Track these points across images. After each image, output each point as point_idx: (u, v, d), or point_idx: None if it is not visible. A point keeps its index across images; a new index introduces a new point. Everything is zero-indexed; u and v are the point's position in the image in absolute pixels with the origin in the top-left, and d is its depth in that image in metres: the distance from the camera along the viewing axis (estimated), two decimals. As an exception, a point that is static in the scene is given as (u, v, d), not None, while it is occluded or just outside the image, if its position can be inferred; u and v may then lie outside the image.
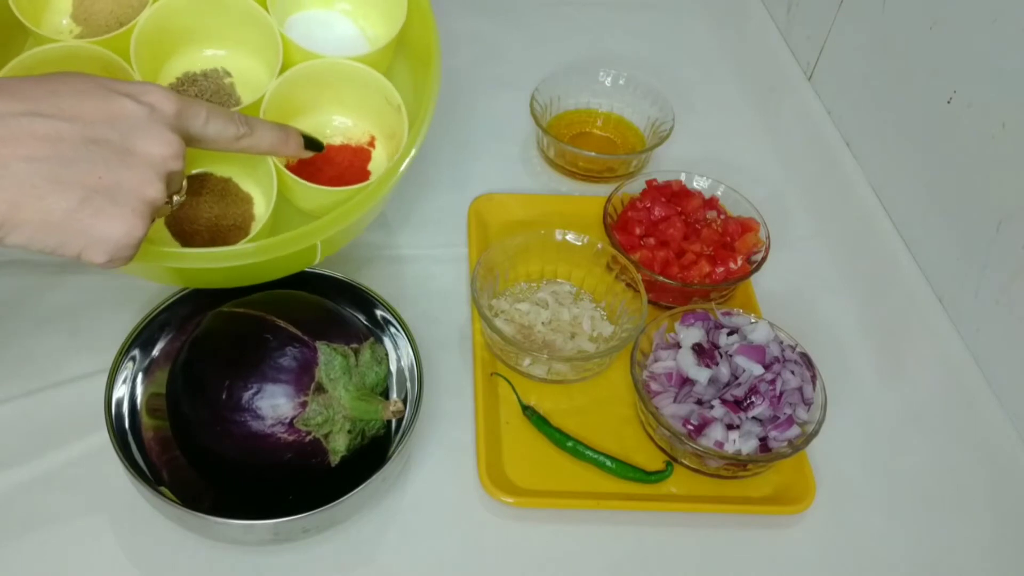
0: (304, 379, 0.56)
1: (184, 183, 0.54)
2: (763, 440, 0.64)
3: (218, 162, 0.70)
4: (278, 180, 0.65)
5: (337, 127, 0.73)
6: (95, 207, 0.46)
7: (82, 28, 0.70)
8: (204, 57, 0.73)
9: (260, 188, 0.70)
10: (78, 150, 0.46)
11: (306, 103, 0.71)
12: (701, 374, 0.67)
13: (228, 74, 0.72)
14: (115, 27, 0.68)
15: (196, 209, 0.68)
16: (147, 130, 0.48)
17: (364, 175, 0.71)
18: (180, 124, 0.51)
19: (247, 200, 0.70)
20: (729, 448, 0.63)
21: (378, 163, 0.72)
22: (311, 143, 0.62)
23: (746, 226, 0.79)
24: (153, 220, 0.50)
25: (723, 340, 0.69)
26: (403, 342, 0.67)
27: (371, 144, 0.73)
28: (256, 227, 0.66)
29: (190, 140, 0.53)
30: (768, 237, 0.78)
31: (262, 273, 0.65)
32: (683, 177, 0.83)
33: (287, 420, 0.55)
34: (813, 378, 0.67)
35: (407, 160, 0.64)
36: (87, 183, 0.46)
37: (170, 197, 0.52)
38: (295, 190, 0.67)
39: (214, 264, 0.59)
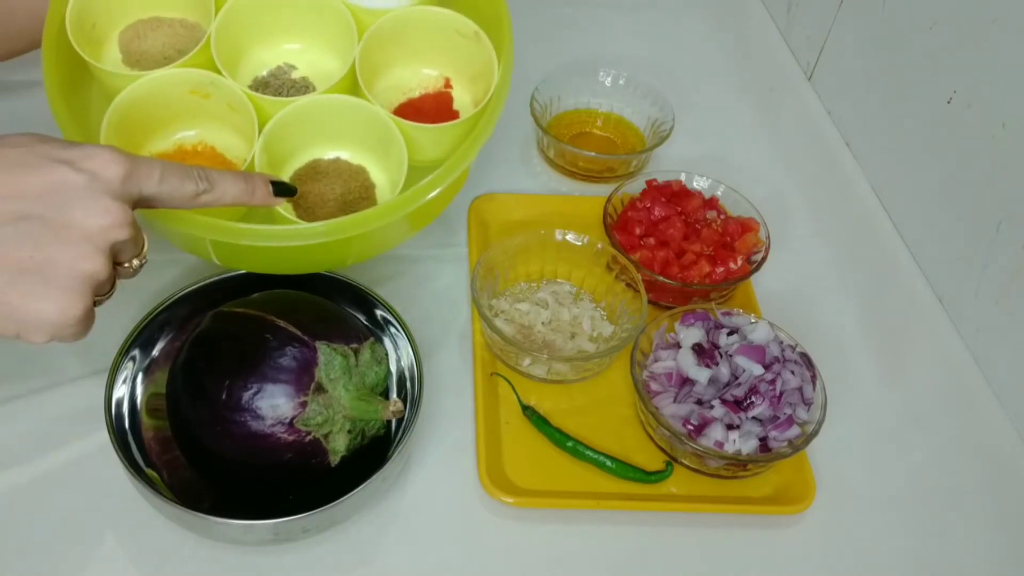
0: (304, 379, 0.56)
1: (146, 247, 0.51)
2: (763, 440, 0.64)
3: (320, 145, 0.72)
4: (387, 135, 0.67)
5: (422, 79, 0.75)
6: (24, 288, 0.44)
7: (137, 71, 0.69)
8: (276, 53, 0.74)
9: (371, 157, 0.72)
10: (5, 229, 0.44)
11: (385, 62, 0.73)
12: (701, 374, 0.67)
13: (293, 67, 0.74)
14: (175, 58, 0.68)
15: (321, 194, 0.69)
16: (86, 201, 0.46)
17: (454, 115, 0.73)
18: (128, 188, 0.48)
19: (361, 171, 0.71)
20: (729, 448, 0.63)
21: (461, 103, 0.74)
22: (282, 189, 0.59)
23: (746, 226, 0.79)
24: (101, 294, 0.48)
25: (723, 340, 0.69)
26: (403, 342, 0.67)
27: (447, 86, 0.75)
28: (379, 192, 0.70)
29: (144, 201, 0.50)
30: (768, 237, 0.78)
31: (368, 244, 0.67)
32: (683, 177, 0.83)
33: (287, 420, 0.55)
34: (813, 378, 0.67)
35: (509, 71, 0.67)
36: (15, 263, 0.44)
37: (129, 262, 0.50)
38: (408, 138, 0.67)
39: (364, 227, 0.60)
